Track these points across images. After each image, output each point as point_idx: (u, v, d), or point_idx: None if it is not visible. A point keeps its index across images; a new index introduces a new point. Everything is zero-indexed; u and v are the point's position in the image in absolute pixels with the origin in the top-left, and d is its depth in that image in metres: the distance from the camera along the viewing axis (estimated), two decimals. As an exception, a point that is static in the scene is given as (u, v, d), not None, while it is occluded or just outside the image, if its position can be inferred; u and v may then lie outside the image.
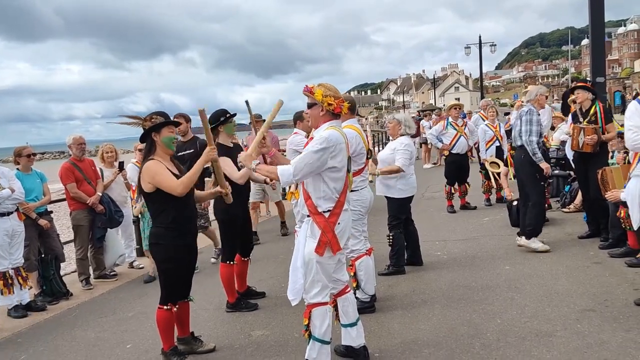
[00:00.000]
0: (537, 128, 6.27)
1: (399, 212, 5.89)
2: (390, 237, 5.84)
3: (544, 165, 6.30)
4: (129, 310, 5.63)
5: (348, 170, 3.63)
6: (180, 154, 5.93)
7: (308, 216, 3.61)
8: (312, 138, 3.84)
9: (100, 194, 6.73)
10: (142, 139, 4.08)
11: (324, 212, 3.51)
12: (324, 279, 3.54)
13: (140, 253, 8.05)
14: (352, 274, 4.71)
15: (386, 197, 5.90)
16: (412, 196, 5.98)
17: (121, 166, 7.30)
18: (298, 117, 6.72)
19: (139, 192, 4.32)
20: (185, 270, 4.12)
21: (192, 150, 6.26)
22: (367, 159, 4.81)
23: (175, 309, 4.08)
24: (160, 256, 4.03)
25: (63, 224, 12.38)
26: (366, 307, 4.76)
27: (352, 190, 4.49)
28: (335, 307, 3.77)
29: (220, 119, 5.12)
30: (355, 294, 4.54)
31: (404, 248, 5.97)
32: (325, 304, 3.56)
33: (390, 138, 6.06)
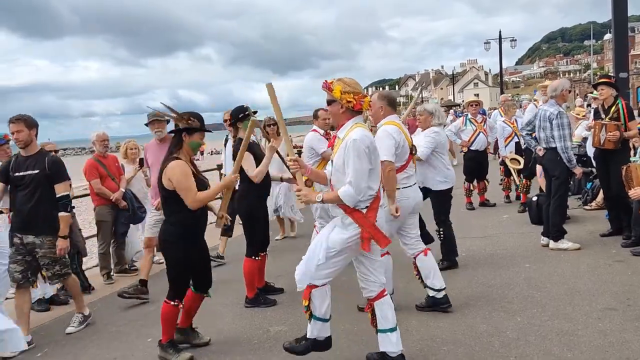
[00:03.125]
0: (569, 131, 6.17)
1: (442, 204, 5.89)
2: (440, 232, 5.88)
3: (577, 170, 6.23)
4: (150, 304, 5.69)
5: None
6: (20, 174, 4.75)
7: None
8: (335, 137, 3.83)
9: (124, 190, 6.82)
10: (172, 133, 4.15)
11: (361, 209, 3.44)
12: (337, 268, 3.54)
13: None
14: (414, 273, 4.71)
15: (427, 189, 5.75)
16: (452, 187, 5.90)
17: (141, 162, 7.36)
18: (314, 115, 6.70)
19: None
20: (193, 269, 4.17)
21: (36, 172, 4.75)
22: (411, 154, 4.65)
23: (181, 306, 4.16)
24: (170, 254, 4.08)
25: (85, 219, 12.55)
26: (441, 303, 4.65)
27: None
28: (373, 312, 3.66)
29: (239, 115, 5.16)
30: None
31: (454, 241, 5.95)
32: (325, 284, 3.56)
33: (420, 130, 5.91)
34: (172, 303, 4.11)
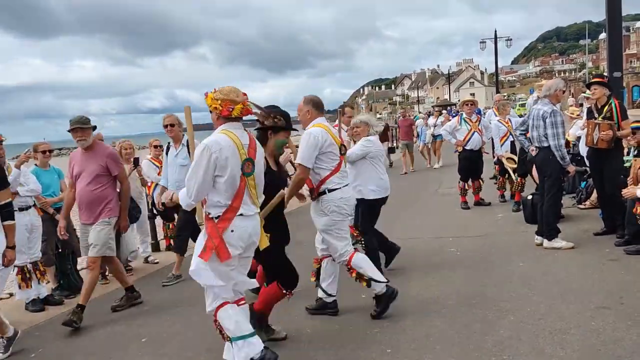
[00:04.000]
0: (562, 130, 6.20)
1: (369, 214, 5.62)
2: (362, 241, 5.61)
3: (570, 168, 6.28)
4: (145, 304, 5.69)
5: (245, 174, 3.52)
6: None
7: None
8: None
9: (118, 190, 6.78)
10: (257, 130, 4.12)
11: (214, 217, 3.50)
12: (214, 288, 3.54)
13: (155, 248, 8.14)
14: (354, 275, 4.66)
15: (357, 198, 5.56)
16: (385, 198, 5.65)
17: (136, 162, 7.35)
18: (342, 111, 6.64)
19: None
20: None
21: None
22: (342, 154, 4.66)
23: (289, 296, 4.19)
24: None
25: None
26: (330, 308, 4.81)
27: (333, 190, 4.53)
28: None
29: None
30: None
31: (377, 252, 5.59)
32: (224, 304, 3.56)
33: (355, 140, 5.77)
34: (283, 290, 4.12)
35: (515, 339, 3.95)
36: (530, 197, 7.60)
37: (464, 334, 4.13)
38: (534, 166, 7.08)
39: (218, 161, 3.40)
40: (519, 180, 8.84)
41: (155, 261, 7.64)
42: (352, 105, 9.43)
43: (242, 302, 3.73)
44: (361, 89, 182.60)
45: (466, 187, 9.35)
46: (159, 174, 7.78)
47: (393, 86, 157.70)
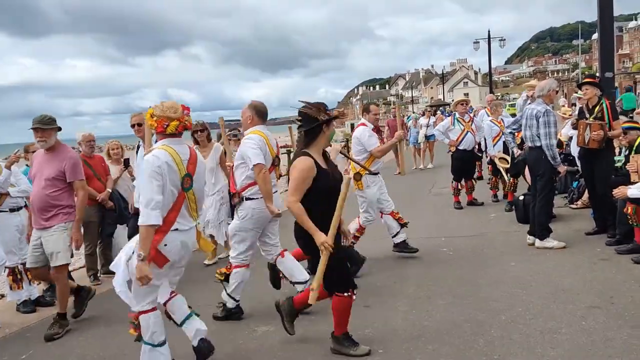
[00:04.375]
0: (555, 130, 6.23)
1: None
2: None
3: (561, 168, 6.31)
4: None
5: (185, 189, 3.61)
6: None
7: None
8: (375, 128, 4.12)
9: (110, 191, 6.79)
10: (308, 127, 3.87)
11: None
12: (141, 291, 3.64)
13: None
14: (222, 271, 4.92)
15: None
16: None
17: (127, 163, 7.30)
18: (365, 109, 6.63)
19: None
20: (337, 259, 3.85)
21: None
22: (274, 165, 4.84)
23: (354, 296, 3.88)
24: (310, 250, 3.87)
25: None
26: (233, 313, 4.92)
27: (251, 199, 4.64)
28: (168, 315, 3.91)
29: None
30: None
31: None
32: (149, 311, 3.69)
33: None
34: (345, 294, 3.83)
35: (507, 338, 3.96)
36: (522, 197, 7.62)
37: (456, 333, 4.14)
38: (527, 166, 7.10)
39: (162, 173, 3.49)
40: (511, 180, 8.87)
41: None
42: (377, 103, 9.42)
43: (173, 294, 3.93)
44: (355, 89, 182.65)
45: (459, 187, 9.37)
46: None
47: (387, 86, 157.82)
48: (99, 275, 6.85)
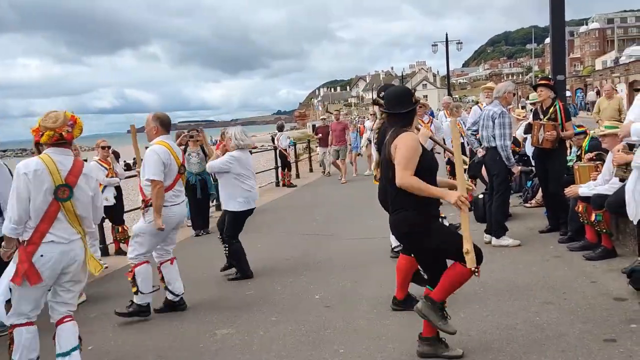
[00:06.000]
0: (510, 131, 6.40)
1: (235, 224, 6.01)
2: (226, 248, 6.08)
3: (515, 169, 6.49)
4: (91, 311, 5.51)
5: (59, 199, 3.55)
6: None
7: None
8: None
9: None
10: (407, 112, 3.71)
11: (24, 240, 3.55)
12: (21, 306, 3.59)
13: (104, 252, 7.90)
14: (130, 278, 4.99)
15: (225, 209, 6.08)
16: (251, 210, 6.07)
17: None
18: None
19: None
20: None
21: None
22: (180, 173, 5.01)
23: (478, 272, 3.54)
24: (417, 247, 3.80)
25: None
26: (141, 311, 5.00)
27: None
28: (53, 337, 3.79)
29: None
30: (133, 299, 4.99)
31: (243, 254, 6.03)
32: (23, 325, 3.63)
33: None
34: (472, 269, 3.45)
35: (465, 335, 4.02)
36: (481, 196, 7.78)
37: (416, 332, 4.15)
38: (484, 167, 7.26)
39: (28, 182, 3.46)
40: (469, 181, 9.00)
41: (105, 265, 7.40)
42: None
43: (67, 319, 3.79)
44: (317, 90, 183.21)
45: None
46: (107, 175, 7.63)
47: (348, 88, 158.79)
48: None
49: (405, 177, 3.45)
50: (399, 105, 3.72)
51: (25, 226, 3.52)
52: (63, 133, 3.60)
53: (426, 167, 3.58)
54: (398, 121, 3.70)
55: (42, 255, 3.50)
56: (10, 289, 3.59)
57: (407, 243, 3.91)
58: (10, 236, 3.56)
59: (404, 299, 4.69)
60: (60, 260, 3.57)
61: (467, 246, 3.42)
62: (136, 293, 4.96)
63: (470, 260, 3.43)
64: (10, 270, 3.57)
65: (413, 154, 3.49)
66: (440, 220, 4.06)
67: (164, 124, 5.01)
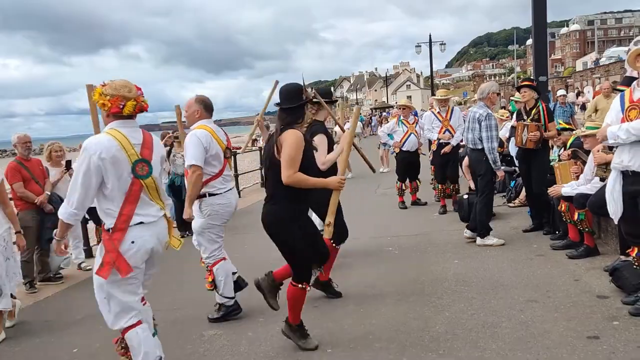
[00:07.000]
0: (496, 133, 6.47)
1: None
2: None
3: (499, 173, 6.56)
4: (76, 313, 5.47)
5: (139, 177, 3.24)
6: None
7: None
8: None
9: (49, 193, 6.53)
10: (295, 107, 3.78)
11: (108, 229, 3.22)
12: (122, 300, 3.26)
13: (88, 254, 7.84)
14: (210, 279, 4.73)
15: None
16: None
17: (68, 165, 7.10)
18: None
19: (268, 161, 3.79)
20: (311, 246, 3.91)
21: None
22: (226, 158, 4.72)
23: (309, 289, 3.94)
24: (282, 238, 3.87)
25: (5, 225, 11.90)
26: (232, 311, 4.80)
27: (213, 194, 4.58)
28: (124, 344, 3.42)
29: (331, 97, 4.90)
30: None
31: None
32: (135, 325, 3.30)
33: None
34: (300, 286, 3.87)
35: (451, 333, 4.07)
36: (466, 196, 7.86)
37: (402, 330, 4.22)
38: (467, 166, 7.34)
39: (100, 163, 3.11)
40: (440, 187, 9.01)
41: (88, 267, 7.35)
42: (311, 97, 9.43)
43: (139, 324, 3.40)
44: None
45: (403, 187, 9.56)
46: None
47: (332, 88, 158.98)
48: (35, 283, 6.55)
49: (291, 176, 3.60)
50: (288, 100, 3.81)
51: (105, 212, 3.21)
52: (142, 104, 3.30)
53: (306, 166, 3.71)
54: (287, 116, 3.80)
55: (133, 242, 3.19)
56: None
57: (270, 234, 3.95)
58: (68, 222, 3.21)
59: (325, 281, 5.11)
60: (151, 242, 3.29)
61: (329, 219, 3.80)
62: (218, 293, 4.75)
63: (328, 232, 3.82)
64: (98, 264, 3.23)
65: (297, 152, 3.61)
66: (308, 217, 4.19)
67: (207, 107, 4.71)
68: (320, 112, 5.13)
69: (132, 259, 3.21)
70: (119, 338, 3.39)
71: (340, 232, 5.09)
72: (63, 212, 3.19)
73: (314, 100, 4.83)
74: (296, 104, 3.78)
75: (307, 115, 4.42)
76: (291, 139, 3.62)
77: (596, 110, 10.51)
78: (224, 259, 4.78)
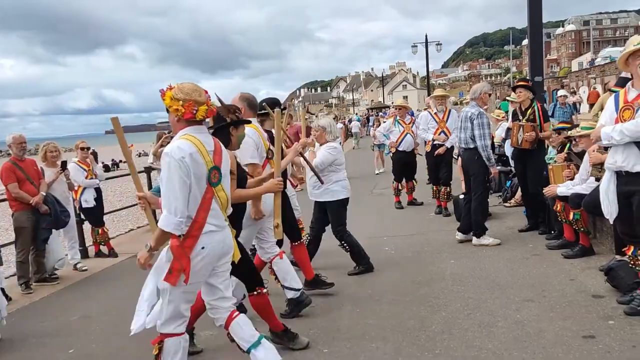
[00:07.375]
0: (489, 131, 6.50)
1: (339, 214, 5.69)
2: (344, 244, 5.75)
3: (494, 170, 6.57)
4: (72, 314, 5.46)
5: (212, 184, 3.16)
6: None
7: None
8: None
9: (44, 194, 6.51)
10: (218, 129, 3.62)
11: (179, 235, 3.07)
12: (179, 307, 3.19)
13: (84, 254, 7.82)
14: (273, 276, 4.68)
15: (325, 202, 5.64)
16: (348, 198, 5.76)
17: (64, 165, 7.08)
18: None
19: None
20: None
21: None
22: (267, 159, 4.57)
23: (264, 290, 3.92)
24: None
25: (1, 225, 11.87)
26: (301, 301, 4.69)
27: None
28: (232, 339, 3.44)
29: (276, 108, 4.65)
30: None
31: (359, 246, 5.82)
32: (179, 334, 3.23)
33: (317, 145, 5.70)
34: (255, 293, 3.88)
35: (447, 333, 4.08)
36: (462, 196, 7.87)
37: (399, 330, 4.22)
38: (460, 167, 7.36)
39: (190, 163, 3.01)
40: (434, 188, 9.02)
41: (84, 268, 7.34)
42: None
43: (236, 313, 3.40)
44: (297, 91, 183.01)
45: (400, 187, 9.57)
46: (86, 177, 7.58)
47: (329, 88, 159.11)
48: (30, 283, 6.53)
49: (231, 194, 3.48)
50: (213, 122, 3.67)
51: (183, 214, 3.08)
52: (212, 108, 3.22)
53: (240, 177, 3.75)
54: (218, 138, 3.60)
55: (203, 248, 3.11)
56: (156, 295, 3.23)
57: None
58: (175, 233, 3.02)
59: (312, 279, 5.22)
60: (219, 250, 3.22)
61: (276, 220, 3.92)
62: (284, 287, 4.64)
63: (278, 233, 3.95)
64: (158, 272, 3.17)
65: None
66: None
67: (252, 105, 4.57)
68: (266, 122, 4.96)
69: (199, 265, 3.14)
70: (160, 340, 3.28)
71: (291, 230, 5.02)
72: (168, 224, 2.99)
73: (264, 112, 4.80)
74: (216, 127, 3.62)
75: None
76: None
77: (602, 109, 10.44)
78: (280, 254, 4.69)
